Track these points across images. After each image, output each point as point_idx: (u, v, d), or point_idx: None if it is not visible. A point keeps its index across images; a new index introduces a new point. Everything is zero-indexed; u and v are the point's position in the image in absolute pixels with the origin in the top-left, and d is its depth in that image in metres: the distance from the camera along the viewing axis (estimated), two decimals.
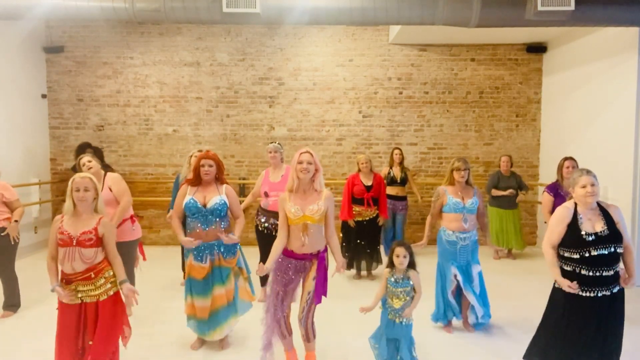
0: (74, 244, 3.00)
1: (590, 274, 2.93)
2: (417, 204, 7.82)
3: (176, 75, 8.19)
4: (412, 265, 3.38)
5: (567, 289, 3.01)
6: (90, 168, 4.47)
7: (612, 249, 2.93)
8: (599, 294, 2.95)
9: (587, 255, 2.93)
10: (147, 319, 4.67)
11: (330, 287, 3.64)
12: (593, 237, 2.93)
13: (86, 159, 4.53)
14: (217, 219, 3.81)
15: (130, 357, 3.72)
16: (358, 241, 6.01)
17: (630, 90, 5.88)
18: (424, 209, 8.20)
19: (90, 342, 3.04)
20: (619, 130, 6.07)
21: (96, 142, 8.07)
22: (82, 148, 7.45)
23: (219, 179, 3.92)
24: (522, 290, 5.70)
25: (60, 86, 8.20)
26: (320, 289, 3.36)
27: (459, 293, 4.38)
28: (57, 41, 8.14)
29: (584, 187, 2.98)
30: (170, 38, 8.16)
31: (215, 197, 3.81)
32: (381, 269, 5.98)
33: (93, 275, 3.04)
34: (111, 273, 3.09)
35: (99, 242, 3.06)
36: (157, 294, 5.42)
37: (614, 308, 2.99)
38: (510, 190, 6.99)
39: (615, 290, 2.99)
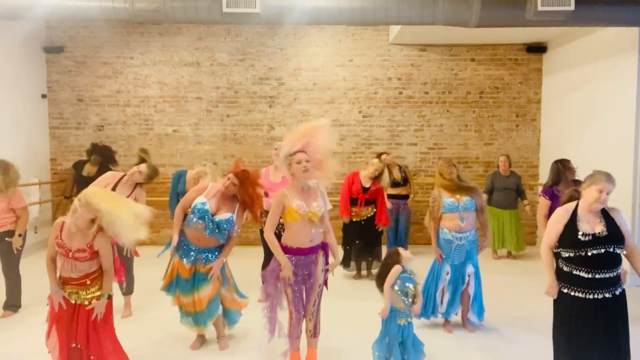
0: (70, 257, 3.04)
1: (589, 275, 2.92)
2: (417, 204, 7.83)
3: (176, 75, 8.19)
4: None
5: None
6: (140, 174, 4.48)
7: (611, 249, 2.91)
8: (600, 296, 2.93)
9: (583, 254, 2.92)
10: (146, 319, 4.67)
11: (331, 286, 3.64)
12: (590, 237, 2.92)
13: (143, 166, 4.51)
14: (219, 232, 3.76)
15: (131, 356, 3.72)
16: (357, 241, 6.01)
17: (630, 90, 5.88)
18: (424, 209, 8.19)
19: (74, 345, 3.08)
20: (619, 131, 6.06)
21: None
22: (102, 150, 7.37)
23: (237, 198, 3.84)
24: (522, 290, 5.69)
25: (60, 86, 8.19)
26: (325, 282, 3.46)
27: (454, 292, 4.37)
28: (57, 41, 8.14)
29: (600, 191, 2.95)
30: (170, 38, 8.16)
31: (227, 213, 3.78)
32: None
33: (89, 282, 3.09)
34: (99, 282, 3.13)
35: (94, 255, 3.08)
36: (157, 294, 5.40)
37: (617, 309, 2.98)
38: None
39: (617, 292, 2.97)
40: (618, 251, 2.94)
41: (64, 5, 5.05)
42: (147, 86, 8.20)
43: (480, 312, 4.41)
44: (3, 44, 7.17)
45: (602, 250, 2.89)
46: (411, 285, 3.32)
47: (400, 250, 3.42)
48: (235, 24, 7.45)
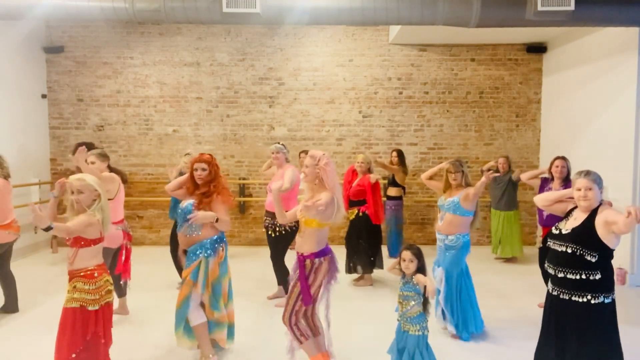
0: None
1: (549, 270, 2.89)
2: (417, 204, 7.82)
3: (176, 75, 8.19)
4: (421, 269, 3.18)
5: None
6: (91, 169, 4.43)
7: (569, 250, 2.75)
8: (556, 293, 2.83)
9: (547, 244, 2.93)
10: (146, 320, 4.67)
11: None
12: (557, 231, 2.88)
13: (91, 159, 4.41)
14: (188, 223, 3.57)
15: (130, 356, 3.72)
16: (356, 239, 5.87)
17: (630, 90, 5.88)
18: (424, 209, 8.21)
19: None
20: (619, 130, 6.06)
21: (96, 142, 8.05)
22: (89, 147, 7.29)
23: (212, 183, 3.61)
24: (521, 291, 5.68)
25: (60, 86, 8.19)
26: (304, 293, 3.30)
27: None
28: (57, 41, 8.14)
29: (578, 190, 2.85)
30: (170, 38, 8.16)
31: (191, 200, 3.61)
32: (380, 273, 5.91)
33: (69, 279, 3.00)
34: (84, 287, 2.95)
35: (76, 242, 2.94)
36: (157, 294, 5.41)
37: (581, 322, 2.73)
38: (491, 164, 6.83)
39: (583, 300, 2.71)
40: (579, 254, 2.72)
41: (64, 5, 5.05)
42: (147, 86, 8.20)
43: (460, 326, 4.17)
44: (3, 44, 7.17)
45: (557, 248, 2.83)
46: (404, 293, 3.19)
47: (403, 253, 3.22)
48: (235, 24, 7.45)
